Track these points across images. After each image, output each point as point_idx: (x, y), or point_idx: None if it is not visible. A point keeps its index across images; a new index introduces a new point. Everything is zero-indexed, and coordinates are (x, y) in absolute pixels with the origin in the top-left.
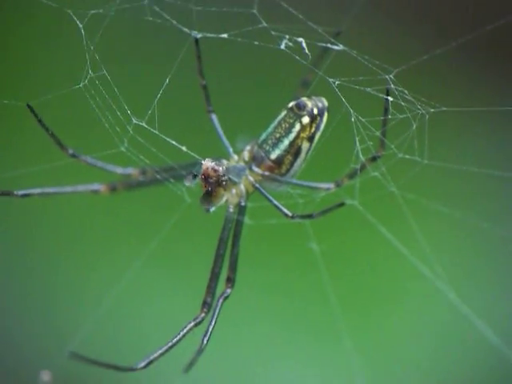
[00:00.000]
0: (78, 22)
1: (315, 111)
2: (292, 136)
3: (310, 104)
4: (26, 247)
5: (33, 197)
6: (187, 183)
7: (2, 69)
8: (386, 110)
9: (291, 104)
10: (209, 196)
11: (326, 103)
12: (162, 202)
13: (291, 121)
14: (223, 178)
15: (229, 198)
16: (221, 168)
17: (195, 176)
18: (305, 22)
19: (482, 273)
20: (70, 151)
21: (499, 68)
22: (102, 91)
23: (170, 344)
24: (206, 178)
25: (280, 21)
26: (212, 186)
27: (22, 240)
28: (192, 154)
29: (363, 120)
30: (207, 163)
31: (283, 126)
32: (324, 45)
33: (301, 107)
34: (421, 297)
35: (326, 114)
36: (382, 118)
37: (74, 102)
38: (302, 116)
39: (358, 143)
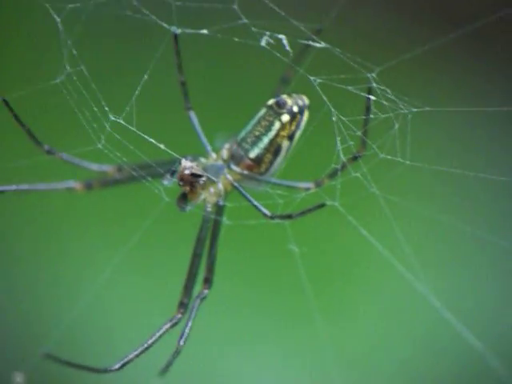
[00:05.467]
0: (55, 16)
1: (295, 109)
2: (272, 134)
3: (290, 102)
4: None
5: (6, 193)
6: (165, 182)
7: None
8: (368, 109)
9: (271, 102)
10: (186, 196)
11: (306, 101)
12: (138, 200)
13: (271, 119)
14: (201, 179)
15: (207, 197)
16: (199, 170)
17: (173, 174)
18: (287, 18)
19: (463, 275)
20: (46, 147)
21: (484, 68)
22: (79, 87)
23: (145, 345)
24: (184, 179)
25: (261, 17)
26: (189, 187)
27: None
28: (170, 151)
29: (344, 119)
30: (185, 164)
31: (263, 124)
32: (306, 42)
33: (281, 105)
34: (399, 298)
35: (306, 113)
36: (363, 117)
37: (51, 97)
38: (281, 114)
39: (339, 143)
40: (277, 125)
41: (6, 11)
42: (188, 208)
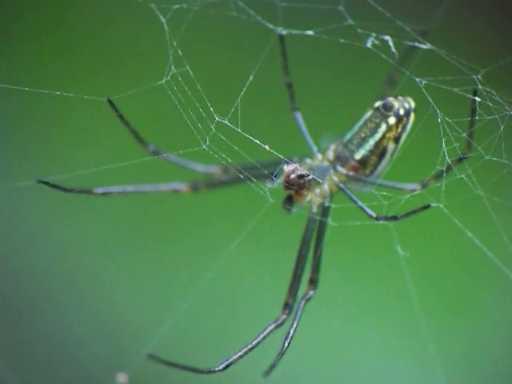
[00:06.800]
0: (161, 17)
1: (402, 112)
2: (378, 136)
3: (396, 104)
4: (103, 247)
5: (111, 195)
6: (268, 185)
7: (84, 64)
8: (474, 111)
9: (378, 104)
10: (291, 198)
11: (412, 104)
12: (243, 201)
13: (377, 121)
14: (306, 180)
15: (312, 198)
16: (303, 170)
17: (276, 176)
18: (392, 19)
19: None
20: (151, 148)
21: None
22: (184, 88)
23: (249, 346)
24: (290, 183)
25: (366, 18)
26: (295, 189)
27: (97, 239)
28: (275, 153)
29: (450, 121)
30: (288, 169)
31: (369, 125)
32: (411, 43)
33: (388, 108)
34: (505, 300)
35: (412, 115)
36: (469, 118)
37: (156, 98)
38: (388, 116)
39: (444, 144)
40: (383, 127)
41: (112, 13)
42: (294, 210)
